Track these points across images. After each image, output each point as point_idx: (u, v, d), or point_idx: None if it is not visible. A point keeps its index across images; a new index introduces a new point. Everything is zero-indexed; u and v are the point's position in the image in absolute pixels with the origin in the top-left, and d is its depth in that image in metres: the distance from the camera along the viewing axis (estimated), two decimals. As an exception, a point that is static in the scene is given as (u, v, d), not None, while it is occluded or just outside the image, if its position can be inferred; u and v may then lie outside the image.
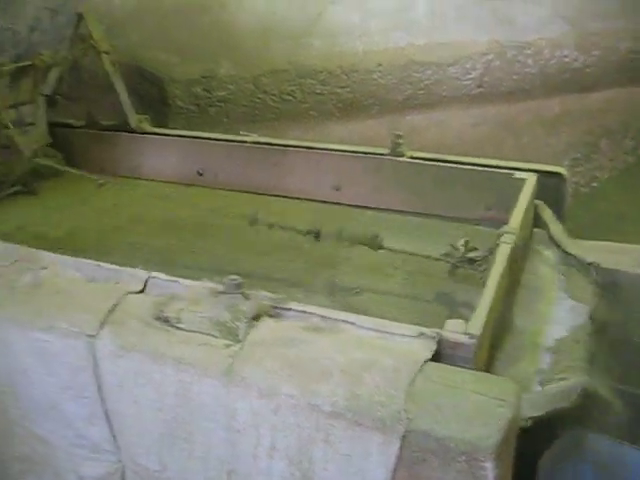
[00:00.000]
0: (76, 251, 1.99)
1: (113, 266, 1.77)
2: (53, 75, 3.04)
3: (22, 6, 2.66)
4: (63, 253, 1.90)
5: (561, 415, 1.55)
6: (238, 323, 1.51)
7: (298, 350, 1.44)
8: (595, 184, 4.59)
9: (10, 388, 1.76)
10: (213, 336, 1.50)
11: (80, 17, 2.95)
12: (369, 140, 3.66)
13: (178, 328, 1.54)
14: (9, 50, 2.75)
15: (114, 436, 1.65)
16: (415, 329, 1.45)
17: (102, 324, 1.58)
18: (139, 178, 2.98)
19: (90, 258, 1.83)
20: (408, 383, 1.32)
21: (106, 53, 2.97)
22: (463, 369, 1.38)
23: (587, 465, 1.64)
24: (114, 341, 1.55)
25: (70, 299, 1.69)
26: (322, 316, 1.53)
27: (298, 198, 2.66)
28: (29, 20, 2.74)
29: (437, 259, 1.95)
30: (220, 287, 1.58)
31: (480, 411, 1.26)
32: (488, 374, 1.47)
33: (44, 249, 1.92)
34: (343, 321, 1.52)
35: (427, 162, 2.48)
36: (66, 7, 2.87)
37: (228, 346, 1.48)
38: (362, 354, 1.41)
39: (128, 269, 1.75)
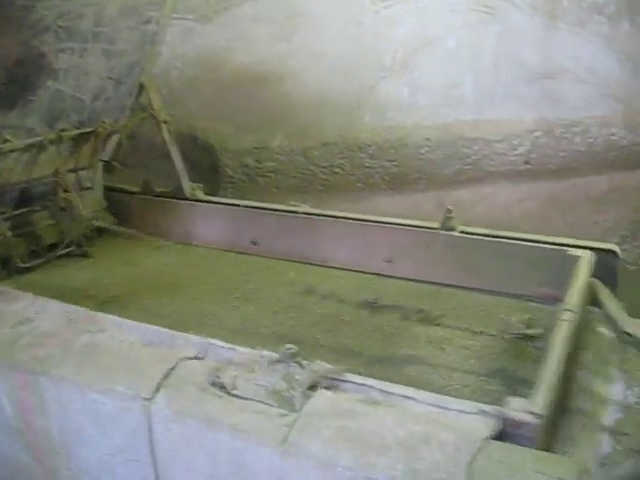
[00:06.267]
0: (123, 312, 2.02)
1: (170, 331, 1.78)
2: (112, 142, 3.16)
3: (87, 75, 2.76)
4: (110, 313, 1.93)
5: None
6: (294, 393, 1.50)
7: (356, 422, 1.42)
8: (643, 261, 4.52)
9: (63, 449, 1.76)
10: (269, 405, 1.50)
11: (141, 87, 3.07)
12: (416, 214, 3.68)
13: (233, 395, 1.54)
14: (72, 117, 2.85)
15: (164, 502, 1.64)
16: (476, 406, 1.43)
17: (158, 388, 1.59)
18: (190, 244, 3.03)
19: (138, 320, 1.86)
20: (469, 461, 1.29)
21: (164, 122, 3.07)
22: (524, 448, 1.35)
23: None
24: (169, 405, 1.56)
25: (126, 362, 1.70)
26: (380, 389, 1.52)
27: (350, 269, 2.67)
28: (93, 89, 2.85)
29: (491, 335, 1.93)
30: (276, 356, 1.58)
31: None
32: (550, 454, 1.42)
33: (93, 309, 1.97)
34: (402, 396, 1.50)
35: (479, 237, 2.48)
36: (129, 77, 2.97)
37: (284, 415, 1.47)
38: (421, 428, 1.39)
39: (184, 334, 1.76)
